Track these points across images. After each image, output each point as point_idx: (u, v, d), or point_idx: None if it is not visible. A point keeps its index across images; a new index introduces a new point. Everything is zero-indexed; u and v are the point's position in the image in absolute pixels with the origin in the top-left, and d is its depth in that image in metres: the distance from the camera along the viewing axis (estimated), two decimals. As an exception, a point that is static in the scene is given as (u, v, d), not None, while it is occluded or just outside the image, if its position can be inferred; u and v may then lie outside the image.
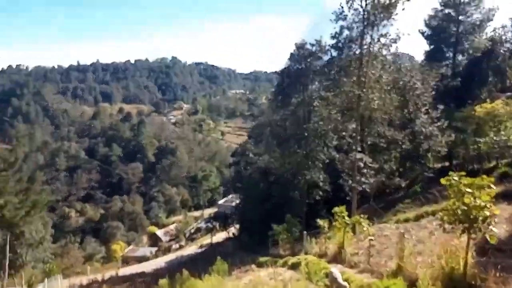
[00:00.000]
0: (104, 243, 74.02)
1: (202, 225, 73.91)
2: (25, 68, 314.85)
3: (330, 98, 28.24)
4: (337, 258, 14.65)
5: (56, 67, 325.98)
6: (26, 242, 40.50)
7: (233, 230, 58.11)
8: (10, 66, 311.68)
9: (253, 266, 19.57)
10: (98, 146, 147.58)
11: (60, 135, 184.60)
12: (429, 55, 40.64)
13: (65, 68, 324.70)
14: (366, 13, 24.06)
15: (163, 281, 14.63)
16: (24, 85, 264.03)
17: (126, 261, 59.22)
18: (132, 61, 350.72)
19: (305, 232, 20.85)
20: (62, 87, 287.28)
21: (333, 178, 31.22)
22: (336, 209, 15.81)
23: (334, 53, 29.36)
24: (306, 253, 18.36)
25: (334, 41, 27.23)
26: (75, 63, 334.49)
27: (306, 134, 32.16)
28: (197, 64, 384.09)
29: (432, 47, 40.92)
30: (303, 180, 32.12)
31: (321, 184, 31.61)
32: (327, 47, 32.69)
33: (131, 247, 71.71)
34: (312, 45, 34.80)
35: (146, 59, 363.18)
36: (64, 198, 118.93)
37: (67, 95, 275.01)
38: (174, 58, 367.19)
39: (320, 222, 17.68)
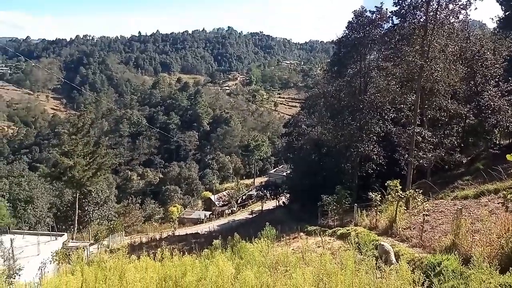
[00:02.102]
0: (162, 205, 78.52)
1: (253, 192, 75.60)
2: (91, 38, 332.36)
3: (389, 68, 26.95)
4: (388, 231, 14.50)
5: (119, 37, 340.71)
6: (93, 201, 44.33)
7: (283, 199, 58.96)
8: (77, 36, 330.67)
9: (302, 234, 19.95)
10: (158, 114, 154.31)
11: (123, 103, 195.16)
12: (503, 23, 36.96)
13: (127, 39, 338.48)
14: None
15: (216, 242, 15.40)
16: (90, 55, 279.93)
17: (182, 222, 62.75)
18: (190, 32, 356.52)
19: (355, 204, 20.71)
20: (125, 56, 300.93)
21: (388, 151, 30.27)
22: (390, 182, 15.50)
23: (396, 21, 27.68)
24: (356, 225, 18.33)
25: (396, 8, 25.61)
26: (136, 34, 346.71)
27: (361, 105, 31.15)
28: (253, 34, 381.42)
29: (507, 13, 37.09)
30: (356, 152, 31.48)
31: (374, 157, 30.77)
32: (388, 14, 30.96)
33: (186, 209, 75.53)
34: (372, 12, 33.05)
35: (203, 30, 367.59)
36: (126, 162, 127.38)
37: (129, 65, 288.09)
38: (230, 28, 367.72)
39: (372, 195, 17.43)
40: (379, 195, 17.11)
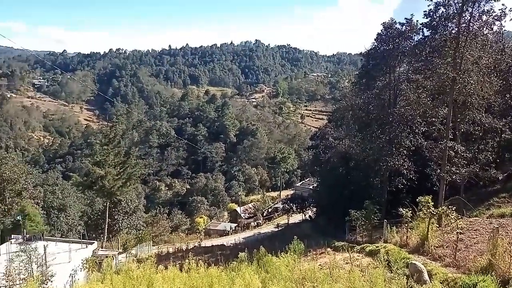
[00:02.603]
0: (189, 215, 79.21)
1: (279, 205, 75.11)
2: (123, 51, 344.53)
3: (420, 80, 26.39)
4: (420, 249, 14.05)
5: (150, 50, 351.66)
6: (122, 210, 45.33)
7: (309, 212, 58.26)
8: (111, 50, 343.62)
9: (329, 249, 19.60)
10: (186, 125, 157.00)
11: (153, 114, 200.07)
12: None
13: (158, 52, 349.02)
14: (466, -12, 21.83)
15: (242, 255, 15.38)
16: (122, 68, 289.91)
17: (208, 233, 63.02)
18: (218, 45, 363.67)
19: (385, 220, 20.19)
20: (155, 69, 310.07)
21: (419, 166, 29.46)
22: (421, 198, 15.07)
23: (427, 33, 27.18)
24: (385, 241, 17.85)
25: (427, 20, 25.15)
26: (167, 47, 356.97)
27: (390, 118, 30.54)
28: (280, 47, 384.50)
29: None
30: (385, 167, 30.76)
31: (404, 172, 29.98)
32: (418, 26, 30.44)
33: (213, 221, 75.87)
34: (402, 24, 32.57)
35: (231, 43, 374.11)
36: (155, 172, 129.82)
37: (159, 77, 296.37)
38: (257, 41, 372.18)
39: (402, 211, 16.96)
40: (410, 211, 16.63)
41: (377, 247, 16.01)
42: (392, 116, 30.41)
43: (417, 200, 15.88)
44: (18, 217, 29.00)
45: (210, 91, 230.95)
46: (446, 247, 13.31)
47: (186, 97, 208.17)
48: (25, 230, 28.33)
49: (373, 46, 34.35)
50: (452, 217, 14.44)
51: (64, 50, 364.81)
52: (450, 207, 15.30)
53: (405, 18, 32.49)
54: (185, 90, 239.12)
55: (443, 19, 24.23)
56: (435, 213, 14.32)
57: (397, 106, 31.08)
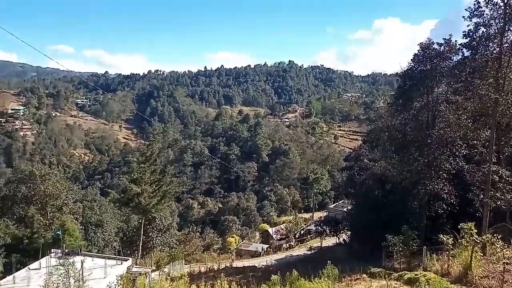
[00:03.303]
0: (221, 235, 79.31)
1: (312, 227, 73.69)
2: (161, 72, 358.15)
3: (459, 102, 25.54)
4: (463, 279, 13.31)
5: (186, 72, 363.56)
6: (157, 227, 46.04)
7: (343, 236, 56.75)
8: (149, 71, 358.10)
9: (364, 275, 18.92)
10: (219, 144, 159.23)
11: (188, 133, 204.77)
12: None
13: (194, 73, 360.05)
14: (508, 7, 21.16)
15: (274, 278, 15.16)
16: (160, 88, 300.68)
17: (240, 254, 62.61)
18: (252, 66, 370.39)
19: (424, 246, 19.33)
20: (191, 90, 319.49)
21: (460, 190, 28.16)
22: (463, 225, 14.36)
23: (467, 53, 26.39)
24: (424, 269, 17.03)
25: (466, 40, 24.49)
26: (202, 69, 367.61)
27: (429, 140, 29.58)
28: (313, 67, 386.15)
29: None
30: (424, 190, 29.62)
31: (445, 196, 28.72)
32: (457, 47, 29.68)
33: (244, 241, 75.48)
34: (440, 44, 31.86)
35: (265, 64, 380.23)
36: (188, 190, 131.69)
37: (195, 98, 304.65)
38: (290, 62, 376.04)
39: (443, 237, 16.18)
40: (451, 238, 15.85)
41: (416, 275, 15.30)
42: (430, 138, 29.46)
43: (458, 226, 15.14)
44: (58, 232, 30.11)
45: (244, 111, 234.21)
46: (492, 278, 12.53)
47: (220, 117, 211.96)
48: (64, 244, 29.31)
49: (410, 67, 33.71)
50: (498, 246, 13.62)
51: (106, 71, 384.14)
52: (495, 235, 14.46)
53: (443, 39, 31.79)
54: (219, 110, 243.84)
55: (483, 39, 23.51)
56: (479, 241, 13.58)
57: (436, 127, 30.11)
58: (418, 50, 32.86)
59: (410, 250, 21.94)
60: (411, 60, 33.43)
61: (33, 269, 26.13)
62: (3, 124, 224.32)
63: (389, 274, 17.22)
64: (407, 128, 32.79)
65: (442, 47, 31.72)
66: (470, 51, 25.52)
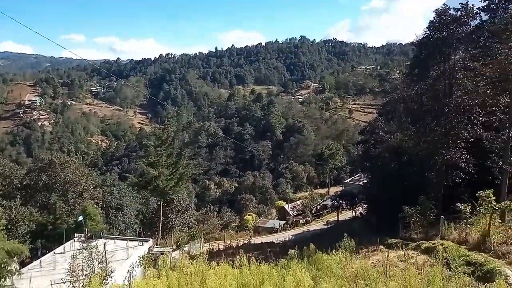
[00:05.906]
0: (238, 213, 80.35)
1: (328, 202, 73.92)
2: (172, 56, 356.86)
3: (478, 68, 24.74)
4: (481, 246, 13.20)
5: (197, 53, 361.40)
6: (175, 209, 46.91)
7: (360, 209, 56.77)
8: (161, 55, 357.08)
9: (382, 246, 18.97)
10: (233, 125, 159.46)
11: (202, 115, 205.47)
12: None
13: (205, 55, 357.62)
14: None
15: (292, 252, 15.30)
16: (172, 72, 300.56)
17: (257, 231, 63.48)
18: (263, 44, 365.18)
19: (441, 216, 19.17)
20: (203, 72, 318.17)
21: (478, 159, 27.57)
22: (481, 192, 14.13)
23: (485, 17, 25.40)
24: (442, 238, 16.95)
25: (485, 3, 23.47)
26: (213, 50, 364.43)
27: (446, 109, 28.84)
28: (325, 41, 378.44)
29: None
30: (441, 160, 29.09)
31: (462, 165, 28.20)
32: (475, 11, 28.47)
33: (261, 218, 76.38)
34: (457, 9, 30.54)
35: (276, 41, 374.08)
36: (204, 171, 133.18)
37: (206, 79, 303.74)
38: (302, 37, 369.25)
39: (461, 206, 15.99)
40: (469, 207, 15.64)
41: (433, 244, 15.24)
42: (447, 107, 28.72)
43: (476, 194, 14.92)
44: (80, 217, 30.94)
45: (256, 90, 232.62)
46: (511, 243, 12.37)
47: (233, 97, 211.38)
48: (86, 229, 30.17)
49: (426, 35, 32.49)
50: (518, 212, 13.40)
51: (118, 58, 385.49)
52: (515, 201, 14.22)
53: (460, 3, 30.43)
54: (232, 90, 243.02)
55: (503, 1, 22.54)
56: (497, 208, 13.36)
57: (453, 96, 29.28)
58: (434, 17, 31.61)
59: (427, 220, 21.81)
60: (427, 27, 32.20)
61: (58, 253, 27.14)
62: (21, 115, 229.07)
63: (406, 244, 17.21)
64: (423, 98, 31.98)
65: (459, 12, 30.40)
66: (488, 15, 24.58)
